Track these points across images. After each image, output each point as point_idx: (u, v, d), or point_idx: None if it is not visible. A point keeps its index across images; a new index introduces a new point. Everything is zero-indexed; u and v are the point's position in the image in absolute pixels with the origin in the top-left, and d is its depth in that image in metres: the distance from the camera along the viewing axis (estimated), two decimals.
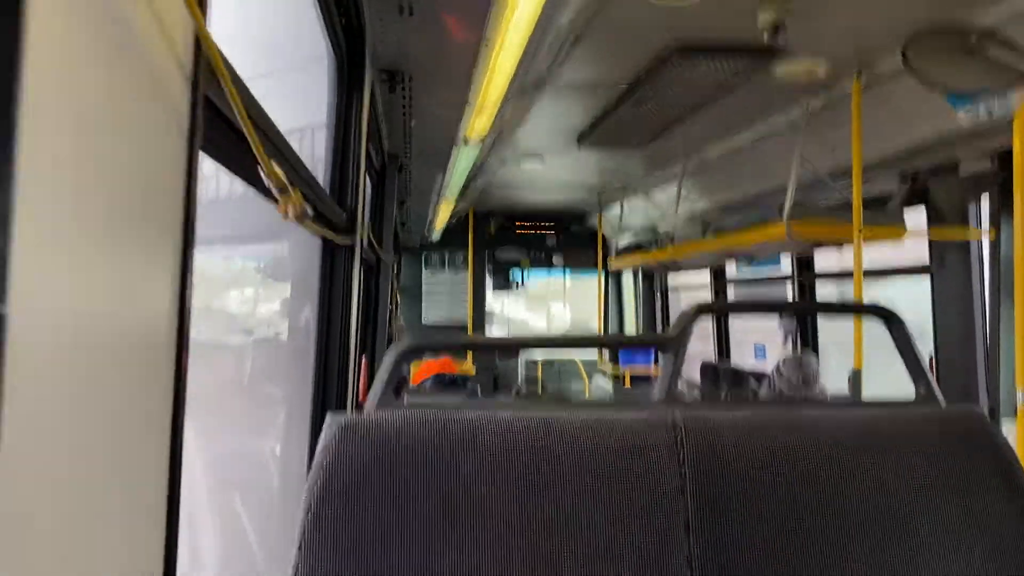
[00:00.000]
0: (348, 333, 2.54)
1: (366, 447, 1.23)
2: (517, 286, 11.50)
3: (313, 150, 2.58)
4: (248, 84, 1.28)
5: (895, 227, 4.27)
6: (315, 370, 2.47)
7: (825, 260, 6.13)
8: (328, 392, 2.48)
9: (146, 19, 0.64)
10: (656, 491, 1.24)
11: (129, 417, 0.69)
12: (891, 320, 1.57)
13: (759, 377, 6.17)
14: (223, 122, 0.85)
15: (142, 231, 0.69)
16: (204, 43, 0.72)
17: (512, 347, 1.80)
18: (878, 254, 5.01)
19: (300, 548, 1.18)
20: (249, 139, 0.82)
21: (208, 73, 0.78)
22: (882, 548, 1.25)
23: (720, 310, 2.07)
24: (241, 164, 1.03)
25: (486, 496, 1.21)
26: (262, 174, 0.90)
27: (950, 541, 1.26)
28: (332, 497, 1.19)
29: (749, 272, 7.78)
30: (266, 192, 1.05)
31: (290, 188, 0.93)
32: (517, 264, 11.35)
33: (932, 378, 1.55)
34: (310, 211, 1.02)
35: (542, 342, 1.70)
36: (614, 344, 1.99)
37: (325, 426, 1.26)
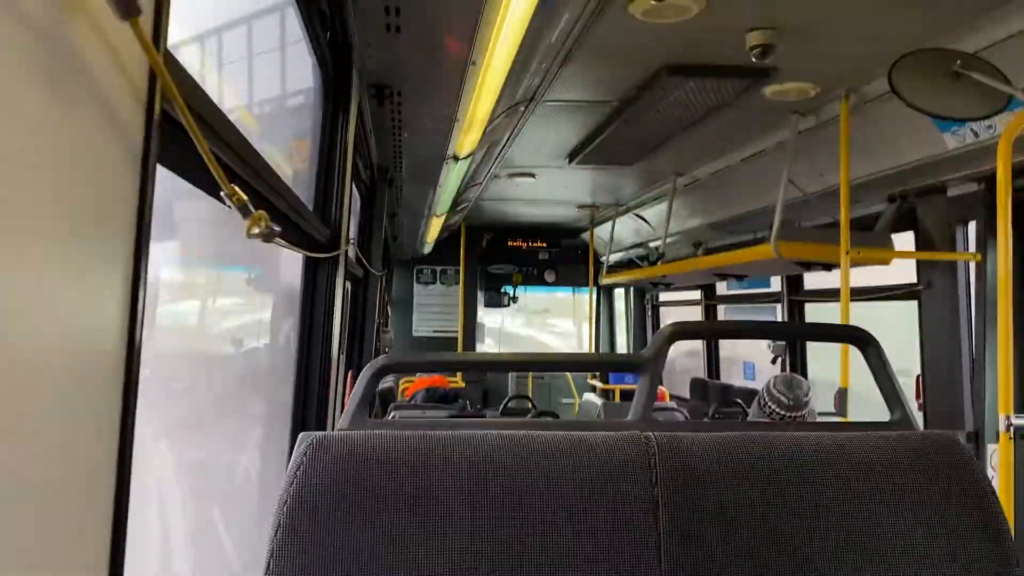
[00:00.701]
0: (329, 349, 2.53)
1: (337, 466, 1.22)
2: (509, 301, 11.49)
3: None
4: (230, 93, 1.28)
5: (883, 249, 4.28)
6: (295, 386, 2.46)
7: (820, 278, 6.15)
8: (308, 409, 2.47)
9: (97, 41, 0.64)
10: (629, 512, 1.23)
11: (72, 427, 0.68)
12: (866, 344, 1.57)
13: (748, 395, 6.18)
14: (186, 139, 0.85)
15: (90, 243, 0.69)
16: (155, 68, 0.72)
17: (489, 367, 1.79)
18: (872, 274, 5.03)
19: (268, 567, 1.17)
20: (204, 157, 0.82)
21: (167, 92, 0.77)
22: (855, 570, 1.24)
23: (696, 333, 2.07)
24: (207, 181, 1.03)
25: (457, 515, 1.20)
26: (222, 193, 0.89)
27: (923, 564, 1.25)
28: (301, 517, 1.18)
29: (740, 290, 7.79)
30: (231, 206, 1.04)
31: (251, 207, 0.93)
32: (509, 279, 11.36)
33: (907, 402, 1.56)
34: (277, 229, 1.01)
35: (519, 364, 1.70)
36: (590, 366, 1.99)
37: (297, 444, 1.25)
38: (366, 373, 1.45)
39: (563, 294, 11.80)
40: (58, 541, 0.68)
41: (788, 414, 3.94)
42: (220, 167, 0.91)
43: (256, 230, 0.96)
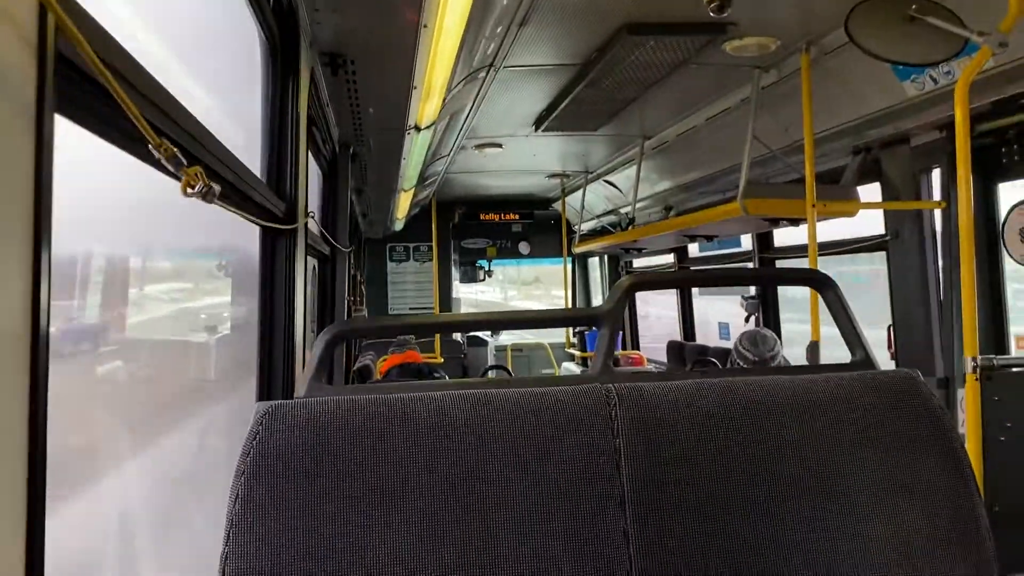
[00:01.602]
0: (293, 322, 2.49)
1: (294, 433, 1.20)
2: (484, 275, 11.46)
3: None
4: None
5: (849, 201, 4.29)
6: (259, 362, 2.42)
7: (792, 234, 6.17)
8: (273, 384, 2.44)
9: None
10: (591, 464, 1.23)
11: None
12: (823, 285, 1.56)
13: (723, 354, 6.22)
14: (98, 90, 0.80)
15: None
16: (51, 8, 0.67)
17: (447, 327, 1.78)
18: (844, 228, 5.05)
19: (228, 538, 1.15)
20: (123, 106, 0.77)
21: (66, 36, 0.72)
22: (816, 509, 1.25)
23: (653, 283, 2.07)
24: (130, 138, 0.98)
25: (418, 475, 1.19)
26: (150, 147, 0.84)
27: (883, 500, 1.26)
28: (259, 485, 1.16)
29: (712, 252, 7.81)
30: (163, 168, 1.00)
31: (183, 160, 0.88)
32: (483, 253, 11.32)
33: (867, 343, 1.55)
34: (216, 187, 0.97)
35: (484, 322, 1.69)
36: (550, 322, 1.98)
37: (253, 415, 1.23)
38: (321, 339, 1.42)
39: (552, 265, 11.75)
40: None
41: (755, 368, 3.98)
42: (144, 126, 0.86)
43: (193, 188, 0.92)
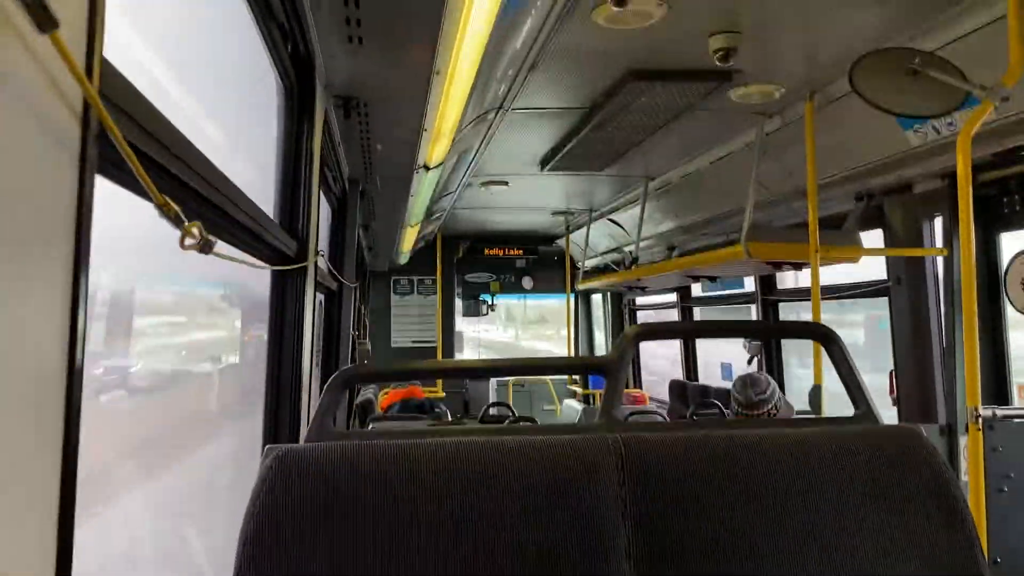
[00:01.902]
0: (300, 361, 2.51)
1: (303, 478, 1.22)
2: (487, 309, 11.49)
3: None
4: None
5: (852, 247, 4.33)
6: (265, 400, 2.44)
7: (794, 277, 6.20)
8: (280, 422, 2.45)
9: (25, 56, 0.64)
10: (597, 513, 1.24)
11: (9, 447, 0.67)
12: (828, 340, 1.59)
13: (725, 395, 6.21)
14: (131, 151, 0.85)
15: (25, 262, 0.68)
16: (79, 80, 0.72)
17: (456, 373, 1.80)
18: (846, 272, 5.08)
19: None
20: (131, 167, 0.82)
21: (107, 106, 0.77)
22: (819, 563, 1.26)
23: (659, 333, 2.08)
24: (139, 191, 1.02)
25: (426, 523, 1.21)
26: (153, 205, 0.89)
27: (888, 555, 1.27)
28: (268, 528, 1.18)
29: (715, 292, 7.84)
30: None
31: (183, 218, 0.92)
32: (487, 287, 11.36)
33: (871, 396, 1.57)
34: (213, 240, 1.00)
35: (487, 369, 1.71)
36: (557, 370, 2.01)
37: (262, 458, 1.25)
38: (332, 384, 1.45)
39: (557, 302, 11.75)
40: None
41: (746, 412, 4.02)
42: (164, 180, 0.90)
43: (190, 242, 0.96)
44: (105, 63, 0.83)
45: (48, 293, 0.71)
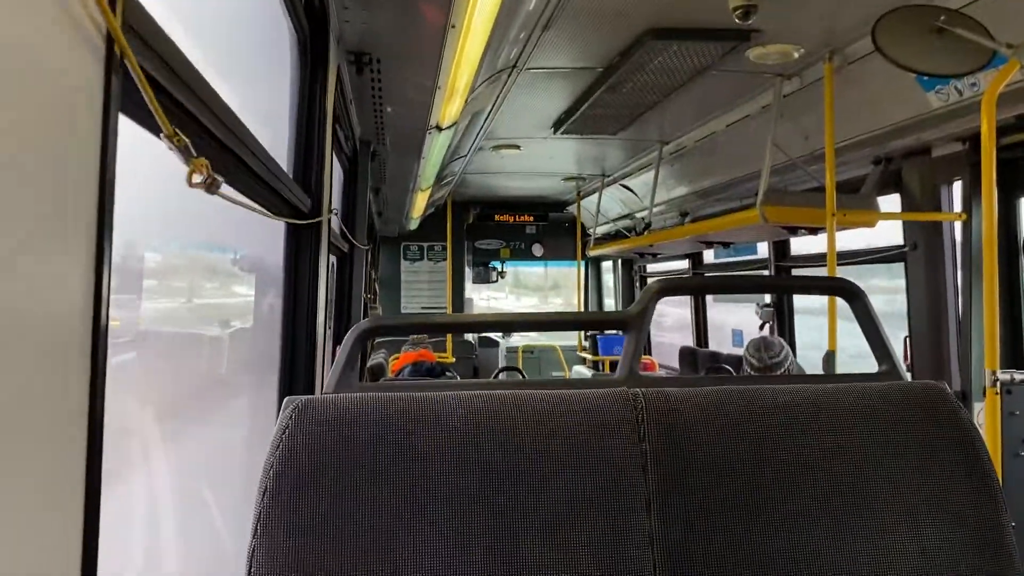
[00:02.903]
0: (315, 317, 2.51)
1: (323, 428, 1.21)
2: (497, 276, 11.48)
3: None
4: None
5: (869, 211, 4.28)
6: (281, 356, 2.44)
7: (806, 244, 6.16)
8: (296, 379, 2.45)
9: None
10: (617, 468, 1.23)
11: (38, 409, 0.66)
12: (853, 296, 1.56)
13: (736, 361, 6.21)
14: (143, 84, 0.82)
15: (46, 214, 0.66)
16: (107, 20, 0.69)
17: (474, 327, 1.79)
18: (861, 238, 5.04)
19: (256, 532, 1.16)
20: (146, 98, 0.79)
21: (129, 38, 0.75)
22: (841, 519, 1.25)
23: (682, 289, 2.06)
24: (151, 123, 1.00)
25: (447, 474, 1.20)
26: (162, 136, 0.86)
27: (911, 511, 1.26)
28: (288, 479, 1.17)
29: (727, 259, 7.80)
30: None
31: (192, 151, 0.90)
32: (497, 254, 11.34)
33: (895, 353, 1.55)
34: (220, 179, 0.98)
35: (503, 323, 1.69)
36: (575, 324, 1.98)
37: (282, 409, 1.24)
38: (351, 335, 1.43)
39: (566, 268, 11.73)
40: (26, 528, 0.66)
41: (760, 375, 3.99)
42: (182, 115, 0.88)
43: (197, 179, 0.94)
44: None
45: (73, 241, 0.69)
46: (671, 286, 1.63)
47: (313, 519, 1.16)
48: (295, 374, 2.43)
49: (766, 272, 6.63)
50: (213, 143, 1.35)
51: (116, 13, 0.74)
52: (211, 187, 0.96)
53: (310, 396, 1.26)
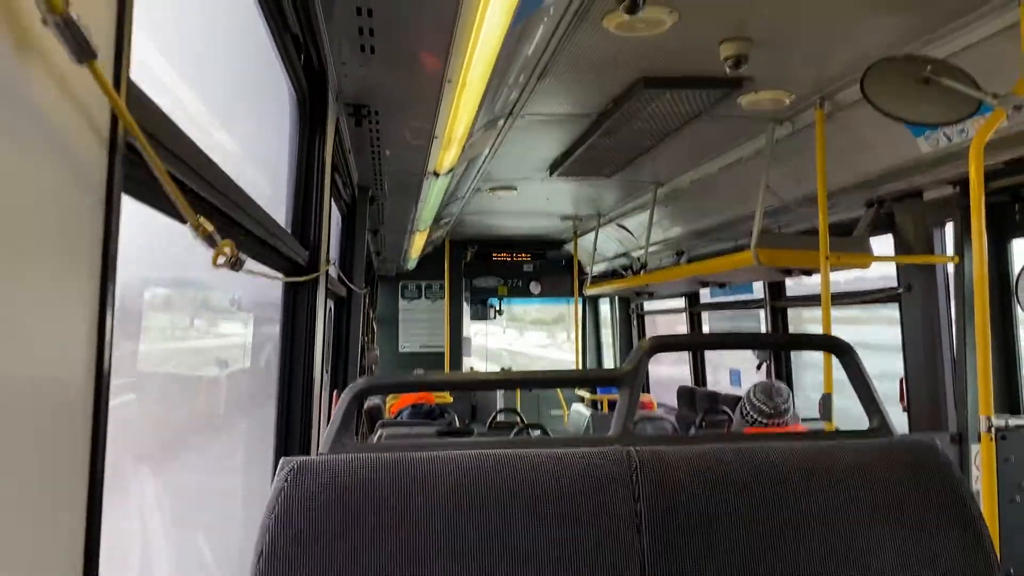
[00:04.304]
0: (311, 370, 2.52)
1: (319, 491, 1.22)
2: (495, 314, 11.51)
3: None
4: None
5: (861, 254, 4.32)
6: (277, 409, 2.44)
7: (803, 282, 6.18)
8: (291, 432, 2.46)
9: (55, 83, 0.65)
10: (612, 527, 1.24)
11: (40, 455, 0.68)
12: (842, 352, 1.58)
13: (734, 402, 6.20)
14: (150, 172, 0.86)
15: (55, 275, 0.69)
16: (114, 107, 0.73)
17: (469, 386, 1.80)
18: (856, 278, 5.07)
19: None
20: (166, 189, 0.83)
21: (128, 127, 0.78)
22: None
23: (674, 346, 2.07)
24: (173, 212, 1.03)
25: (441, 536, 1.21)
26: (188, 227, 0.90)
27: (904, 571, 1.26)
28: (283, 543, 1.18)
29: (723, 298, 7.83)
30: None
31: (216, 238, 0.93)
32: (494, 292, 11.38)
33: (885, 408, 1.57)
34: (244, 259, 1.01)
35: (500, 382, 1.71)
36: (571, 382, 2.01)
37: (278, 470, 1.25)
38: (346, 396, 1.45)
39: (564, 305, 11.77)
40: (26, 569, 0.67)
41: (768, 421, 3.94)
42: (186, 196, 0.91)
43: (222, 260, 0.97)
44: (131, 85, 0.84)
45: (77, 303, 0.73)
46: (664, 343, 1.64)
47: None
48: (291, 429, 2.43)
49: (761, 311, 6.65)
50: (217, 214, 1.38)
51: (119, 100, 0.78)
52: (235, 266, 0.99)
53: (306, 457, 1.27)
